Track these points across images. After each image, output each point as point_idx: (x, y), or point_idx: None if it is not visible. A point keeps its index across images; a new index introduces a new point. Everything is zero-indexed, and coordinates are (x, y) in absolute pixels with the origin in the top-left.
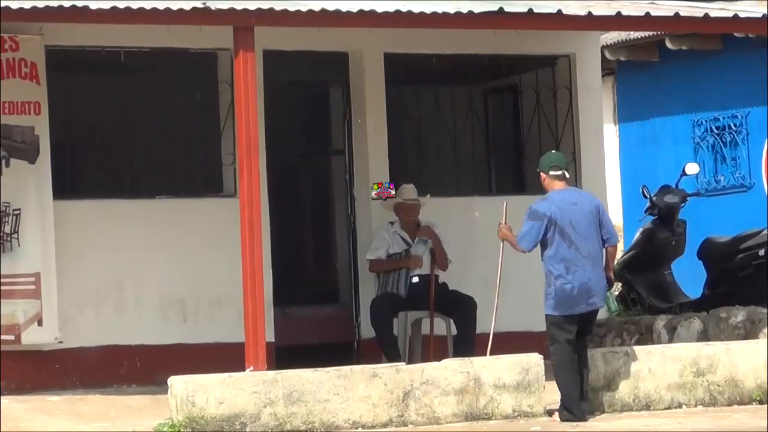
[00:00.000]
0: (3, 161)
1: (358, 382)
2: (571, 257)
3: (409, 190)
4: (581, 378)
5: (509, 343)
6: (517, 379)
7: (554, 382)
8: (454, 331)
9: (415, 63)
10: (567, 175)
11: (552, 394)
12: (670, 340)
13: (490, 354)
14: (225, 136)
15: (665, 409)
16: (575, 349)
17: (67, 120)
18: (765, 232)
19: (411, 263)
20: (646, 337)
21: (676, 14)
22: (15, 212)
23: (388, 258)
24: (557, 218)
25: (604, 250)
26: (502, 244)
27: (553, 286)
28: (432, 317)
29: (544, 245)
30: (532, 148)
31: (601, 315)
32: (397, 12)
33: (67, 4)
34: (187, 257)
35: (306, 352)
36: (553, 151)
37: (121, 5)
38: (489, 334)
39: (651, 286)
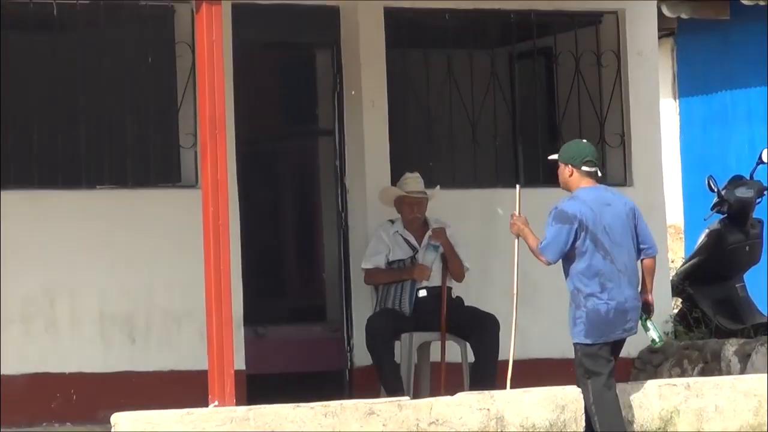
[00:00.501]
0: None
1: (351, 421)
2: (607, 271)
3: (412, 181)
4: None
5: (539, 372)
6: (549, 419)
7: None
8: (471, 357)
9: (423, 20)
10: (600, 174)
11: None
12: (743, 371)
13: (512, 386)
14: (184, 112)
15: None
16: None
17: None
18: None
19: (417, 274)
20: (713, 366)
21: None
22: None
23: (388, 267)
24: (589, 222)
25: (639, 263)
26: (516, 241)
27: (584, 308)
28: (443, 340)
29: (569, 256)
30: (569, 128)
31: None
32: None
33: None
34: (135, 263)
35: (285, 383)
36: (584, 141)
37: None
38: (516, 361)
39: (718, 302)
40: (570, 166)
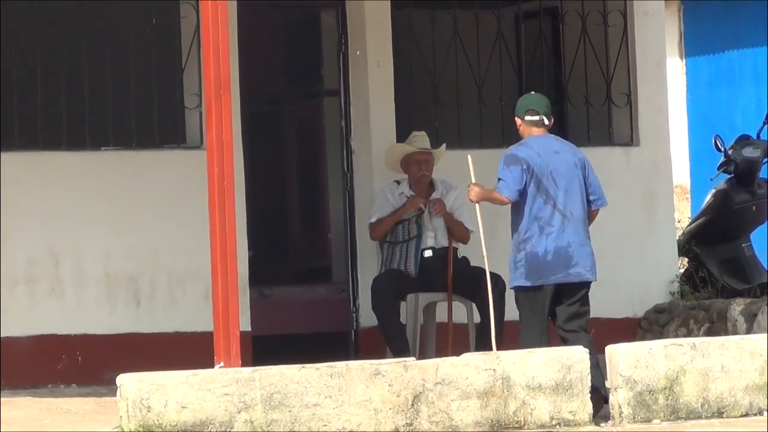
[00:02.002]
0: None
1: (356, 382)
2: (548, 216)
3: (420, 139)
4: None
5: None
6: (555, 379)
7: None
8: (477, 318)
9: None
10: (547, 122)
11: None
12: (749, 330)
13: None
14: (188, 73)
15: (742, 416)
16: (567, 339)
17: None
18: None
19: (410, 205)
20: (719, 326)
21: None
22: None
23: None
24: (535, 167)
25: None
26: (477, 208)
27: (524, 251)
28: (450, 301)
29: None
30: (576, 88)
31: (661, 299)
32: None
33: None
34: (140, 225)
35: (291, 344)
36: (532, 93)
37: None
38: (512, 322)
39: (725, 262)
40: (518, 118)
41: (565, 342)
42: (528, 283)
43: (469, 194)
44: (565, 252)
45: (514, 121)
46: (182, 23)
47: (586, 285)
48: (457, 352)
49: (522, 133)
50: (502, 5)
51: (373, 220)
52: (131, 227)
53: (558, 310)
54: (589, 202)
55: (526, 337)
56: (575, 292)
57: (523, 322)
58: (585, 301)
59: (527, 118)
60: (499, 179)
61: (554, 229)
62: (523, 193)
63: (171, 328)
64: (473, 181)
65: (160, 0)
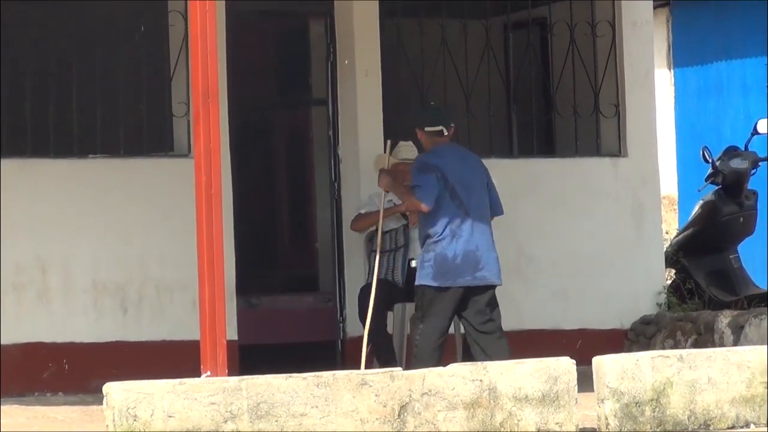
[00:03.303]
0: None
1: (343, 392)
2: (459, 219)
3: (404, 149)
4: None
5: (533, 343)
6: (542, 390)
7: (590, 393)
8: (463, 329)
9: None
10: (446, 132)
11: (587, 409)
12: (736, 342)
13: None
14: (176, 81)
15: (729, 428)
16: (478, 342)
17: None
18: None
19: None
20: (706, 337)
21: None
22: None
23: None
24: (447, 173)
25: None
26: (382, 195)
27: (433, 252)
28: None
29: None
30: (564, 99)
31: (648, 310)
32: None
33: None
34: (128, 233)
35: (277, 354)
36: (431, 104)
37: None
38: (509, 332)
39: (712, 273)
40: (418, 130)
41: (476, 345)
42: (435, 284)
43: (380, 180)
44: (474, 256)
45: (447, 131)
46: (171, 31)
47: (491, 289)
48: (443, 363)
49: (425, 144)
50: (491, 15)
51: (363, 211)
52: (118, 235)
53: (467, 314)
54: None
55: (424, 335)
56: (481, 295)
57: (424, 320)
58: (494, 304)
59: (428, 129)
60: (416, 186)
61: (464, 233)
62: (436, 199)
63: (158, 337)
64: (387, 166)
65: (149, 8)
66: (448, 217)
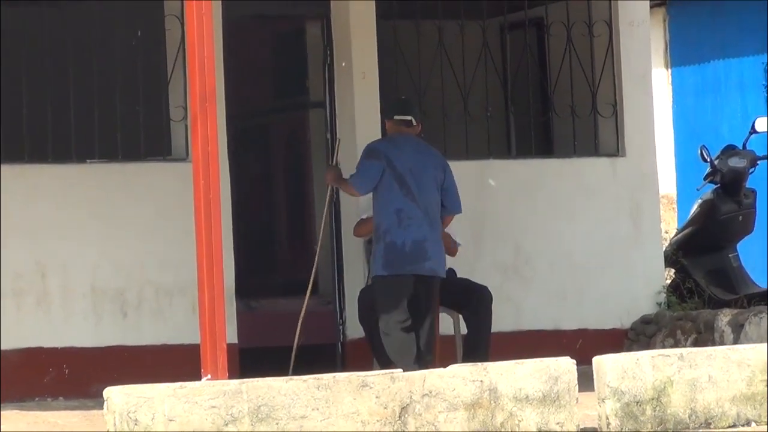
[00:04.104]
0: None
1: (344, 394)
2: (407, 209)
3: None
4: None
5: (533, 344)
6: (543, 390)
7: (590, 393)
8: (463, 329)
9: None
10: (415, 123)
11: (587, 409)
12: (736, 341)
13: (502, 358)
14: (174, 85)
15: (729, 426)
16: (417, 330)
17: None
18: None
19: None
20: (706, 336)
21: None
22: None
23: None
24: (396, 161)
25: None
26: (329, 190)
27: (383, 242)
28: (437, 312)
29: (376, 192)
30: (561, 99)
31: (648, 310)
32: None
33: None
34: (126, 237)
35: (277, 356)
36: (403, 97)
37: None
38: (509, 332)
39: (712, 272)
40: (387, 121)
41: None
42: (385, 273)
43: (326, 176)
44: (421, 245)
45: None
46: (167, 35)
47: (434, 282)
48: (444, 364)
49: (389, 132)
50: (487, 16)
51: (364, 216)
52: (118, 239)
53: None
54: (444, 206)
55: (387, 329)
56: (424, 286)
57: (381, 313)
58: (431, 296)
59: (396, 117)
60: (355, 171)
61: (413, 221)
62: (382, 187)
63: (158, 341)
64: (333, 163)
65: (146, 12)
66: (397, 205)
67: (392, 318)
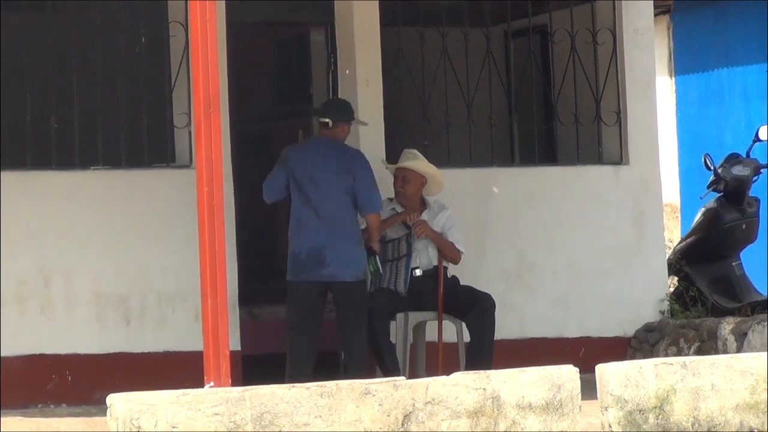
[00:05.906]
0: None
1: (346, 402)
2: (304, 217)
3: (404, 155)
4: None
5: (536, 352)
6: (546, 398)
7: (593, 401)
8: (466, 337)
9: None
10: (331, 125)
11: (590, 417)
12: (739, 349)
13: (503, 366)
14: (177, 92)
15: None
16: (311, 335)
17: None
18: None
19: (397, 218)
20: (709, 344)
21: None
22: None
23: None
24: (296, 169)
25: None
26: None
27: (289, 248)
28: (440, 320)
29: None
30: (565, 107)
31: (651, 318)
32: None
33: None
34: (129, 244)
35: (280, 364)
36: (334, 98)
37: None
38: (512, 340)
39: (715, 280)
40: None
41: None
42: (288, 278)
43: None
44: (319, 252)
45: (333, 125)
46: (171, 42)
47: (349, 287)
48: (447, 372)
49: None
50: (491, 23)
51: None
52: (121, 247)
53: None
54: (358, 208)
55: (291, 336)
56: (336, 293)
57: (289, 319)
58: (350, 303)
59: (320, 119)
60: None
61: (309, 229)
62: (291, 194)
63: (161, 348)
64: None
65: (149, 19)
66: (296, 213)
67: (289, 321)
